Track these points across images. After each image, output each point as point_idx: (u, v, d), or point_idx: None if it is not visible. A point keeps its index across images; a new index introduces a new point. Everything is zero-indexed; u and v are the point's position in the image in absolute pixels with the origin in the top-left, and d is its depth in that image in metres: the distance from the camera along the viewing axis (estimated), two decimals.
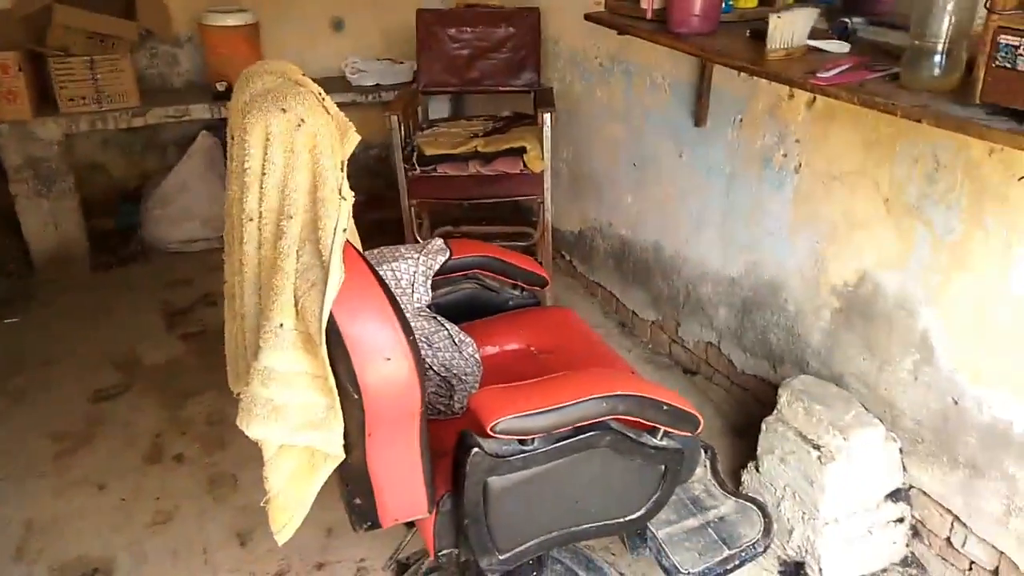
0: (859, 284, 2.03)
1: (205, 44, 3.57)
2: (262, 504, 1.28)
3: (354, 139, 1.17)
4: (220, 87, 3.53)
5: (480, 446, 1.25)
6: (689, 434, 1.41)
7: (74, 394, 2.66)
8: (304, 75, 1.17)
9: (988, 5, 1.29)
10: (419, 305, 1.68)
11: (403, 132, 2.90)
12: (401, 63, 3.93)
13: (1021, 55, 1.24)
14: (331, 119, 1.11)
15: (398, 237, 3.01)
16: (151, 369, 2.81)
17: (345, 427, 1.20)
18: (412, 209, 2.94)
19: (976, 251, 1.71)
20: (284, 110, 1.04)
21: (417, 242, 2.98)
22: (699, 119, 2.48)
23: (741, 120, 2.33)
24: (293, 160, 1.05)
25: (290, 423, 1.15)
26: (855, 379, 2.08)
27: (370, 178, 4.01)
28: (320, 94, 1.14)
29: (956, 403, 1.82)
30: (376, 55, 4.02)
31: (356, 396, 1.13)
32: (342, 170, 1.10)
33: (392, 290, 1.17)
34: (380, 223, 2.88)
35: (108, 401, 2.64)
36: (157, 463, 2.36)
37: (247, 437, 1.18)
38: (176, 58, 3.79)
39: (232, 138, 1.14)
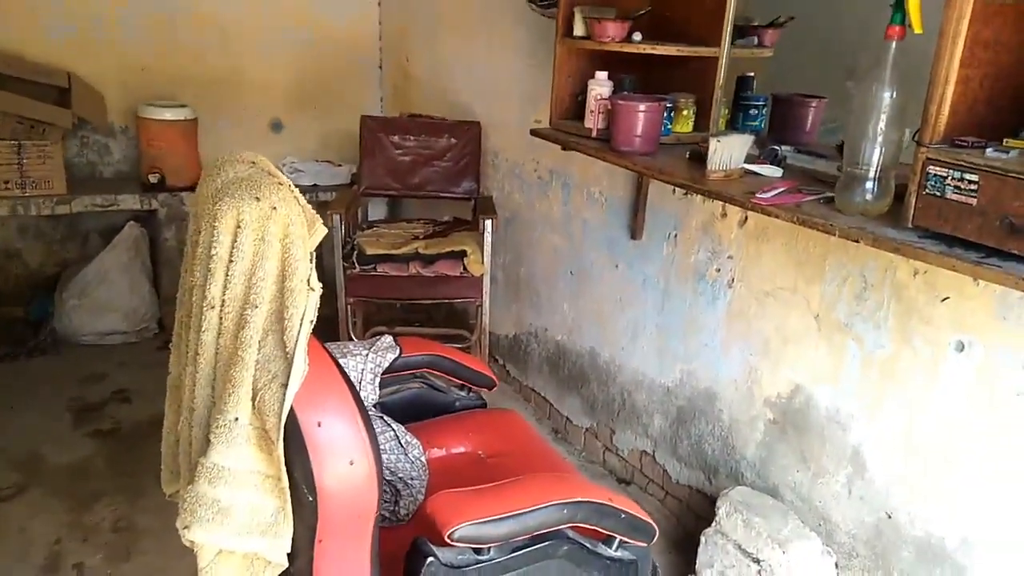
0: (792, 396, 2.09)
1: (140, 136, 3.52)
2: None
3: (321, 231, 1.15)
4: (152, 179, 3.47)
5: (435, 555, 1.19)
6: (644, 544, 1.38)
7: None
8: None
9: (916, 139, 1.41)
10: (366, 404, 1.63)
11: (343, 231, 2.90)
12: (339, 165, 3.98)
13: (949, 184, 1.35)
14: (302, 210, 1.10)
15: (332, 335, 2.95)
16: (54, 469, 2.60)
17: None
18: (348, 307, 2.90)
19: (904, 368, 1.80)
20: (258, 198, 1.03)
21: (351, 340, 2.94)
22: (635, 233, 2.57)
23: (676, 235, 2.42)
24: (263, 248, 1.03)
25: (235, 526, 1.08)
26: (790, 491, 2.11)
27: None
28: (291, 186, 1.13)
29: (890, 517, 1.86)
30: (313, 157, 4.06)
31: (311, 499, 1.07)
32: (311, 261, 1.08)
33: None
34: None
35: (1, 503, 2.41)
36: (54, 574, 2.15)
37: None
38: (107, 147, 3.72)
39: (198, 225, 1.11)
